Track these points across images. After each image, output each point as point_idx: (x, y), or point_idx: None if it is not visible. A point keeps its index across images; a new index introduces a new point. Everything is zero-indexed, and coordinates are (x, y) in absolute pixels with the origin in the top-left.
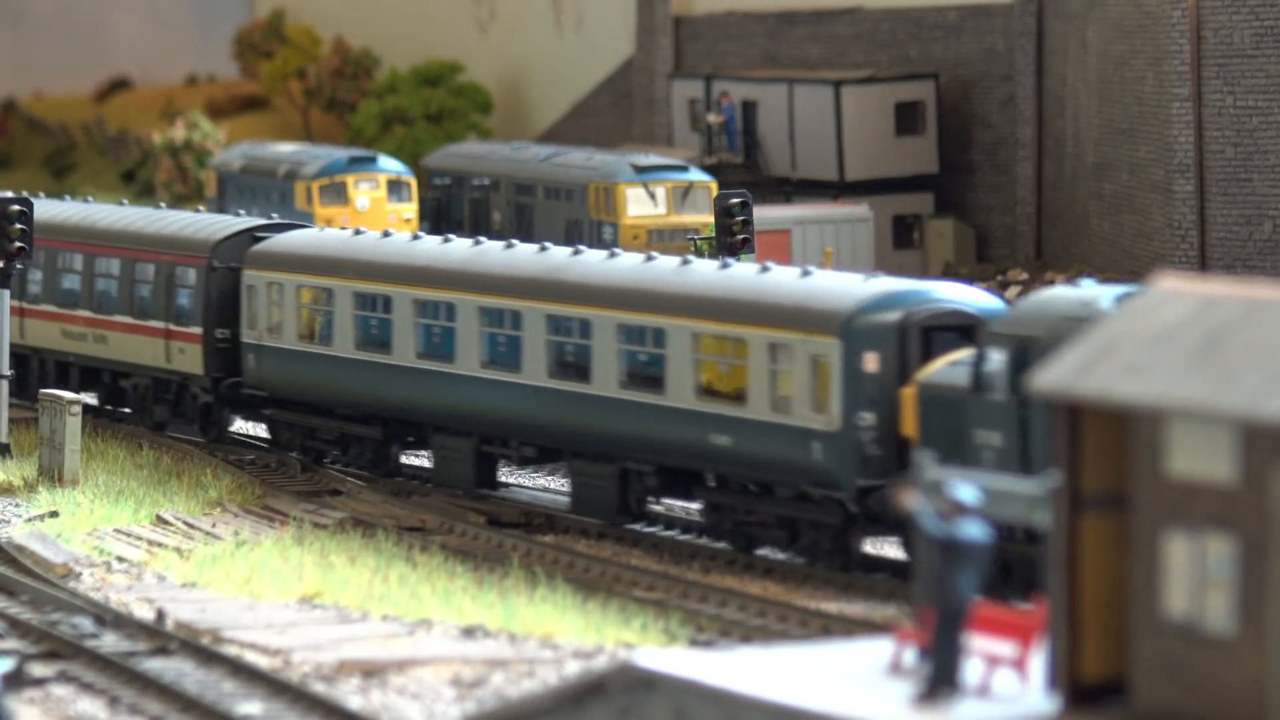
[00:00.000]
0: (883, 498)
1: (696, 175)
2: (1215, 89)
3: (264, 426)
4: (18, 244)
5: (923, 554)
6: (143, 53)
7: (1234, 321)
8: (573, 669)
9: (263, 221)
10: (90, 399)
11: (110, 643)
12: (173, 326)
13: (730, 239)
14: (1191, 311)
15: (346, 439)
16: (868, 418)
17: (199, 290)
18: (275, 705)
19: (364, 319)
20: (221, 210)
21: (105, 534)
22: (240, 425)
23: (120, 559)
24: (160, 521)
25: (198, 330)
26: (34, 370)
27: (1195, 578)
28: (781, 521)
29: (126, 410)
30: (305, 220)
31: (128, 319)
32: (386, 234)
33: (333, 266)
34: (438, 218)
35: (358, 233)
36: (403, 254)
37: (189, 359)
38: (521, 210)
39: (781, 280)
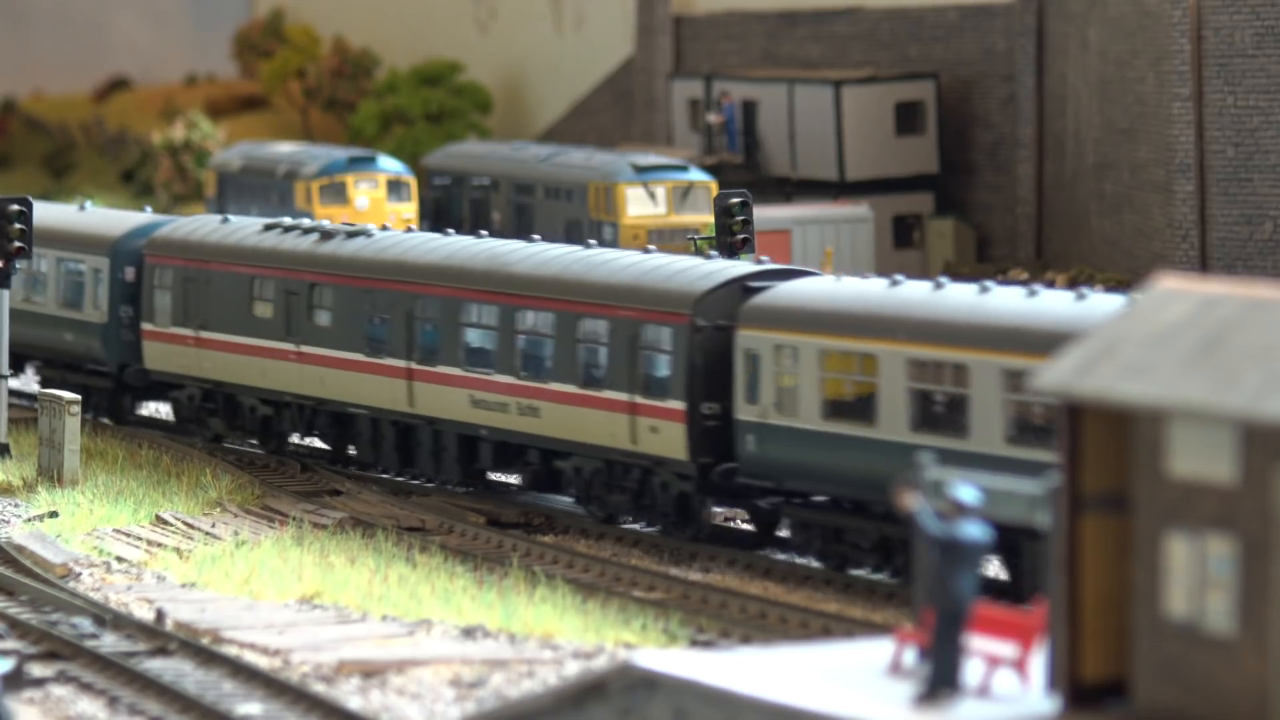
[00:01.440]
0: None
1: (696, 175)
2: (1216, 89)
3: (750, 519)
4: (17, 244)
5: (923, 554)
6: (142, 52)
7: (1234, 321)
8: (573, 669)
9: (756, 268)
10: (512, 479)
11: (110, 643)
12: (640, 399)
13: (730, 239)
14: (1192, 311)
15: (888, 542)
16: None
17: (678, 355)
18: (275, 705)
19: (920, 393)
20: (221, 211)
21: (105, 534)
22: (717, 515)
23: (120, 559)
24: (160, 522)
25: (677, 405)
26: (450, 447)
27: (1196, 578)
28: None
29: (566, 497)
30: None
31: (571, 388)
32: (937, 284)
33: (875, 326)
34: (437, 218)
35: (895, 283)
36: (976, 310)
37: (664, 440)
38: (521, 210)
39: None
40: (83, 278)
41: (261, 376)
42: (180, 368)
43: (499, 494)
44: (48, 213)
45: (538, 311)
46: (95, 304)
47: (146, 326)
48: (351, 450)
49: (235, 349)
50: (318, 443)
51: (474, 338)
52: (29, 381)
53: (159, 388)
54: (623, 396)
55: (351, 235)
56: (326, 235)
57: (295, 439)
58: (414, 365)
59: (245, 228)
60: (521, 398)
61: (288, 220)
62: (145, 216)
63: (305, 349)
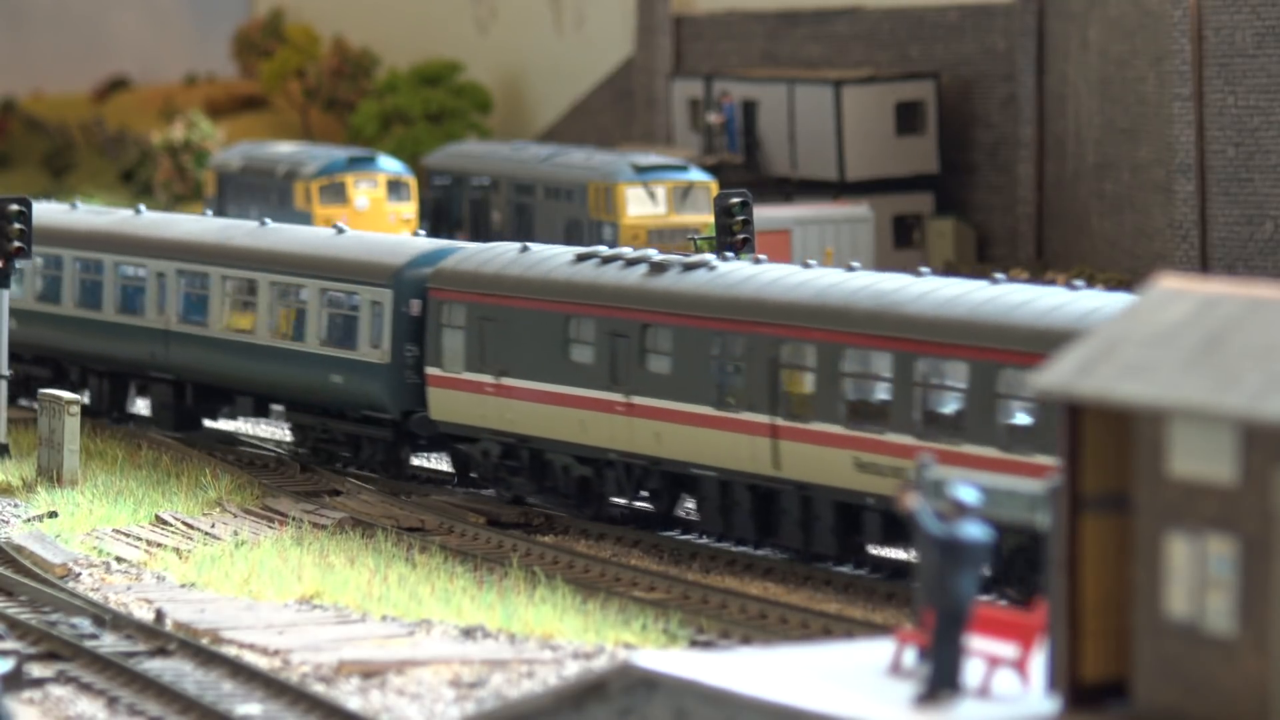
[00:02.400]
0: None
1: (696, 175)
2: (1216, 89)
3: None
4: (16, 244)
5: (923, 554)
6: (142, 52)
7: (1235, 321)
8: (573, 669)
9: None
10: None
11: (109, 643)
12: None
13: (730, 239)
14: (1192, 311)
15: None
16: None
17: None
18: (274, 706)
19: None
20: (220, 211)
21: (104, 534)
22: None
23: (119, 559)
24: (159, 522)
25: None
26: (826, 516)
27: (1196, 578)
28: None
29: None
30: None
31: (991, 451)
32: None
33: None
34: (437, 218)
35: None
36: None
37: None
38: (521, 210)
39: None
40: (357, 312)
41: (580, 431)
42: (475, 419)
43: (889, 576)
44: (305, 235)
45: (942, 360)
46: (374, 342)
47: (432, 371)
48: (688, 512)
49: (545, 398)
50: (643, 504)
51: (859, 390)
52: (279, 429)
53: (442, 439)
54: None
55: (689, 267)
56: (658, 267)
57: (618, 501)
58: (780, 421)
59: (552, 258)
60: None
61: (604, 249)
62: (428, 243)
63: (636, 400)
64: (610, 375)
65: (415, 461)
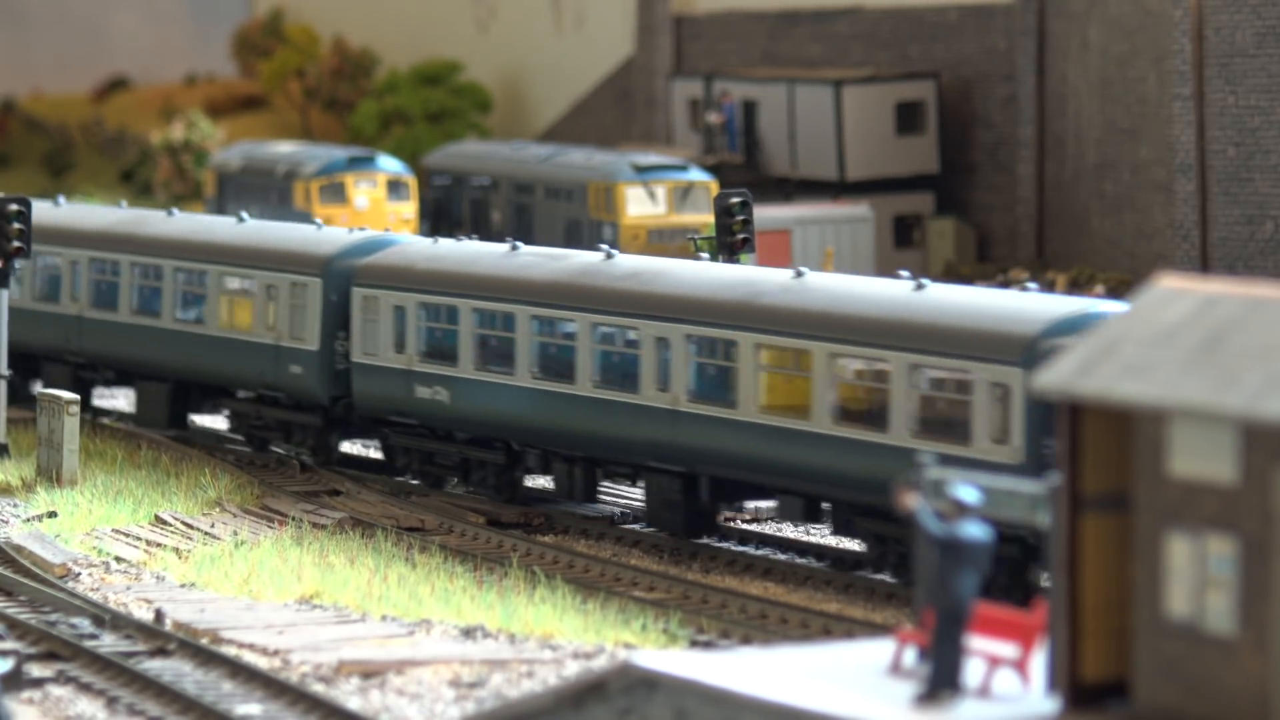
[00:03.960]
0: None
1: (696, 175)
2: (1217, 88)
3: None
4: (16, 244)
5: (923, 554)
6: (141, 52)
7: (1235, 321)
8: (573, 669)
9: None
10: None
11: (109, 643)
12: None
13: (730, 239)
14: (1193, 311)
15: None
16: None
17: None
18: (274, 706)
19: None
20: (220, 211)
21: (104, 534)
22: None
23: (119, 559)
24: (159, 522)
25: None
26: None
27: (1196, 578)
28: None
29: None
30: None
31: None
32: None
33: None
34: (437, 218)
35: None
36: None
37: None
38: (521, 210)
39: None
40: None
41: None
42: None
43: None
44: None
45: None
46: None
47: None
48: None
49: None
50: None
51: None
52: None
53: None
54: None
55: None
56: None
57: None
58: None
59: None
60: None
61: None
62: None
63: None
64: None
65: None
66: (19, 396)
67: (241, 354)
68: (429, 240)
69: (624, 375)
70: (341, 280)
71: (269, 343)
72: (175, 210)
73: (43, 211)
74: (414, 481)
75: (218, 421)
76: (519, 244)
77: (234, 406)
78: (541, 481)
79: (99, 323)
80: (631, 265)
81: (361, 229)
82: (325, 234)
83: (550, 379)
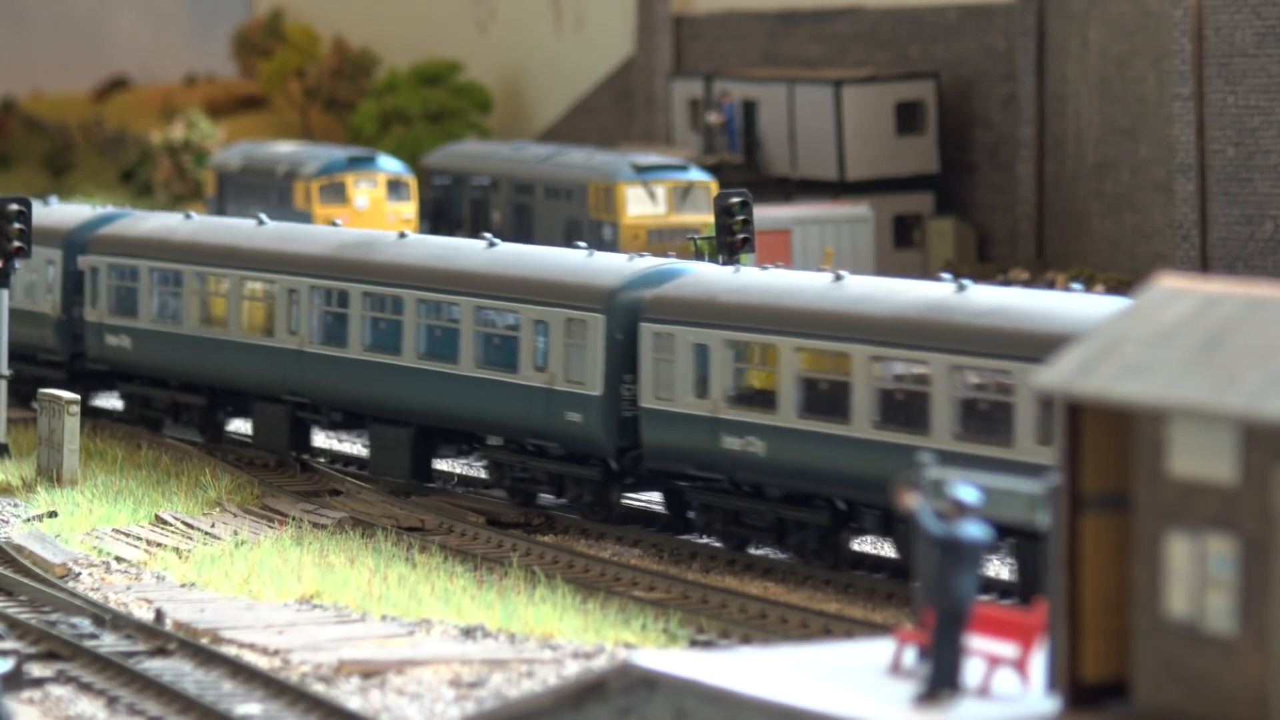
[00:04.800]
0: None
1: (696, 175)
2: (1216, 88)
3: None
4: (16, 244)
5: (923, 554)
6: (141, 52)
7: (1235, 321)
8: (573, 669)
9: None
10: None
11: (109, 643)
12: None
13: (730, 239)
14: (1192, 311)
15: None
16: None
17: None
18: (274, 705)
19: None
20: (220, 211)
21: (104, 534)
22: None
23: (119, 559)
24: (159, 521)
25: None
26: None
27: (1196, 578)
28: None
29: None
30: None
31: None
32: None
33: None
34: (437, 218)
35: None
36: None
37: None
38: (521, 210)
39: None
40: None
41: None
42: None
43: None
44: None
45: None
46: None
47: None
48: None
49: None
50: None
51: None
52: None
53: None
54: None
55: None
56: None
57: None
58: None
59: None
60: None
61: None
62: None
63: None
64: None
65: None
66: (215, 438)
67: (505, 398)
68: (727, 269)
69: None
70: (627, 316)
71: (539, 386)
72: (407, 233)
73: (248, 232)
74: (718, 544)
75: (459, 467)
76: (843, 273)
77: (494, 455)
78: (868, 544)
79: (324, 359)
80: (991, 300)
81: (640, 254)
82: (600, 263)
83: (893, 429)
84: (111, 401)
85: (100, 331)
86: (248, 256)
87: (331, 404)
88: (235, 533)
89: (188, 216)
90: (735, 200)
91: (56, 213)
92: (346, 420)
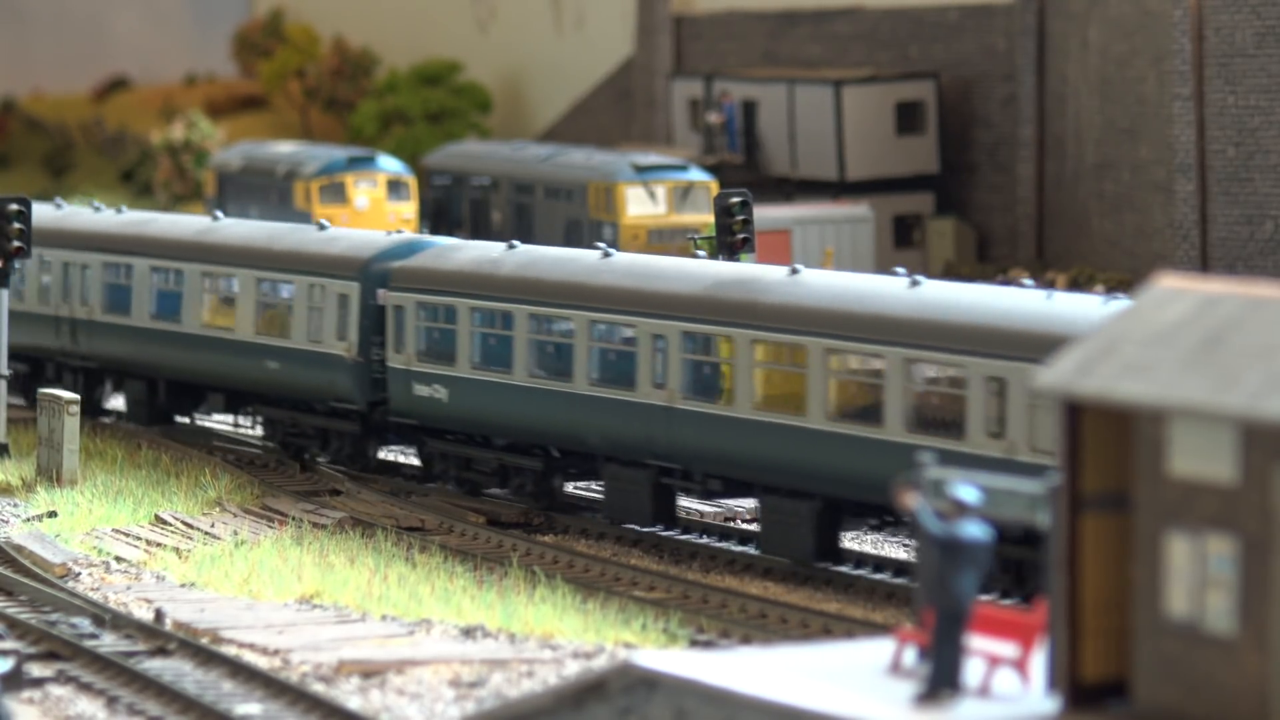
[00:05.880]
0: None
1: (696, 175)
2: (1217, 88)
3: None
4: (16, 244)
5: (923, 554)
6: (141, 52)
7: (1235, 321)
8: (573, 669)
9: None
10: None
11: (109, 643)
12: None
13: (730, 239)
14: (1192, 311)
15: None
16: None
17: None
18: (274, 705)
19: None
20: (220, 210)
21: (104, 534)
22: None
23: (119, 559)
24: (159, 521)
25: None
26: None
27: (1196, 578)
28: None
29: None
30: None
31: None
32: None
33: None
34: (437, 218)
35: None
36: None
37: None
38: (521, 210)
39: None
40: None
41: None
42: None
43: None
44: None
45: None
46: None
47: None
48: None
49: None
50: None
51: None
52: None
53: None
54: None
55: None
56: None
57: None
58: None
59: None
60: None
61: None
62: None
63: None
64: None
65: None
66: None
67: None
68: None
69: None
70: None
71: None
72: (799, 268)
73: (591, 266)
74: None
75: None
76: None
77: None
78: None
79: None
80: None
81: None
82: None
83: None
84: (112, 402)
85: (407, 380)
86: (595, 294)
87: (709, 469)
88: (235, 533)
89: (511, 246)
90: (735, 200)
91: (343, 237)
92: (727, 488)
